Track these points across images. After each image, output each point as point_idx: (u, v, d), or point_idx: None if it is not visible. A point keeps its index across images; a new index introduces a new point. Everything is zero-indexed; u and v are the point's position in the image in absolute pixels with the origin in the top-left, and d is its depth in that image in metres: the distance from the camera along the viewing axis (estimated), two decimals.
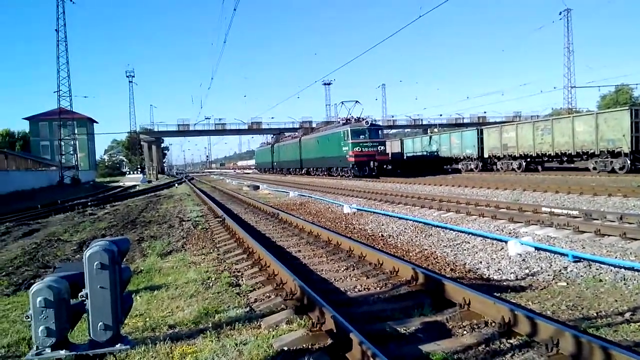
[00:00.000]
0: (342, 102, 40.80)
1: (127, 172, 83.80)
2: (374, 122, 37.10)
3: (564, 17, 71.77)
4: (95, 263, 2.39)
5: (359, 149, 34.27)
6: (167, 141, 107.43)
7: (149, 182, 56.75)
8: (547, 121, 29.54)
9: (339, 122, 39.33)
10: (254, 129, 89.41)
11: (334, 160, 37.81)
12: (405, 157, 44.68)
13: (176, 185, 41.54)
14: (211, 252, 8.74)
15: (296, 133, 56.15)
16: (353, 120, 37.26)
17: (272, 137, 69.68)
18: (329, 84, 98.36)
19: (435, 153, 39.61)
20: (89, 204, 22.54)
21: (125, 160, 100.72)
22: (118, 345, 2.47)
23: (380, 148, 35.16)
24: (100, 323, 2.42)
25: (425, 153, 41.44)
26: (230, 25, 50.86)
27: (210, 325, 4.60)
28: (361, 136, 34.75)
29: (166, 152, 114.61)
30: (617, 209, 11.32)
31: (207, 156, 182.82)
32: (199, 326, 4.63)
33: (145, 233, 11.77)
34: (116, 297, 2.46)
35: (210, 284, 6.31)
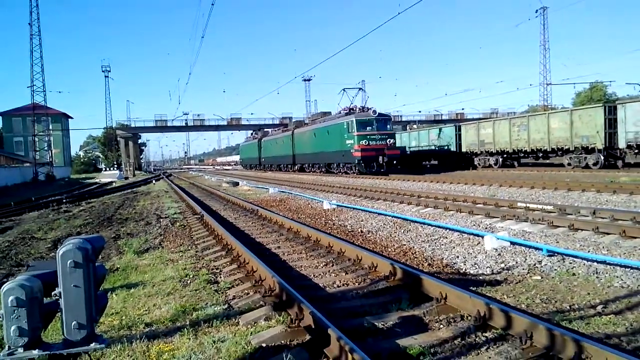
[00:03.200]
0: (343, 89, 35.52)
1: (104, 169, 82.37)
2: (381, 112, 32.17)
3: (540, 15, 72.98)
4: (69, 261, 2.35)
5: (365, 142, 29.91)
6: (144, 137, 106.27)
7: (126, 178, 56.04)
8: (523, 118, 30.03)
9: (340, 112, 34.80)
10: (233, 125, 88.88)
11: (335, 156, 33.49)
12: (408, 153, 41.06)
13: (154, 181, 41.04)
14: (189, 250, 8.67)
15: (289, 126, 52.04)
16: (357, 109, 32.68)
17: (252, 133, 68.41)
18: (308, 80, 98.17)
19: (446, 147, 36.25)
20: (64, 201, 22.10)
21: (101, 156, 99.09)
22: (92, 344, 2.44)
23: (389, 141, 30.79)
24: (74, 322, 2.39)
25: (433, 147, 38.13)
26: (209, 20, 50.01)
27: (187, 322, 4.56)
28: (368, 127, 30.43)
29: (143, 148, 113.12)
30: (591, 204, 11.58)
31: (185, 152, 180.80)
32: (176, 324, 4.59)
33: (122, 230, 11.61)
34: (90, 295, 2.42)
35: (188, 282, 6.26)
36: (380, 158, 29.84)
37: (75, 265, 2.36)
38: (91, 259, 2.43)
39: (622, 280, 5.44)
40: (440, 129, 38.39)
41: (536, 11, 72.96)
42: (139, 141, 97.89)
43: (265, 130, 63.71)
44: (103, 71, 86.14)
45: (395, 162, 31.60)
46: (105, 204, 20.14)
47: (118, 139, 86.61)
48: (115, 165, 77.93)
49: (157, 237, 10.20)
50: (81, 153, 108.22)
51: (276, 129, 60.29)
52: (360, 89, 35.73)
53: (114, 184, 42.41)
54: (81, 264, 2.37)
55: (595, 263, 6.16)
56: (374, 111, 31.29)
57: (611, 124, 23.63)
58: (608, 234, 7.92)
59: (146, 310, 5.13)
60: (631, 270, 5.72)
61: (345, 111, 33.63)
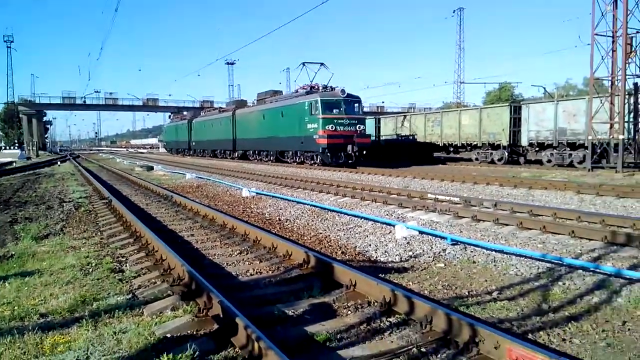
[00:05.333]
0: (303, 64, 29.00)
1: (3, 147, 75.83)
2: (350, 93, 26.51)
3: (457, 15, 76.60)
4: None
5: (332, 127, 24.66)
6: (50, 115, 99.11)
7: (28, 158, 51.95)
8: (437, 113, 31.49)
9: (297, 91, 29.25)
10: (149, 106, 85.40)
11: (292, 142, 28.06)
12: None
13: (59, 163, 38.43)
14: (93, 236, 8.20)
15: (226, 106, 44.23)
16: (321, 88, 26.85)
17: (170, 116, 65.51)
18: (232, 63, 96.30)
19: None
20: None
21: (1, 134, 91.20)
22: None
23: (359, 127, 25.73)
24: None
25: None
26: None
27: (87, 313, 4.30)
28: (335, 110, 25.23)
29: (49, 126, 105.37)
30: (493, 197, 12.37)
31: (96, 133, 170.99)
32: (75, 315, 4.32)
33: (20, 214, 10.75)
34: None
35: (90, 270, 5.91)
36: (349, 147, 24.83)
37: None
38: None
39: (516, 268, 5.86)
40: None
41: (454, 11, 76.55)
42: (44, 119, 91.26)
43: (180, 111, 59.65)
44: (5, 41, 79.39)
45: (365, 152, 26.39)
46: (3, 186, 18.53)
47: (20, 115, 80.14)
48: (17, 144, 71.97)
49: (59, 223, 9.55)
50: None
51: (210, 109, 53.23)
52: (322, 64, 29.05)
53: (14, 164, 39.12)
54: None
55: (493, 252, 6.59)
56: (342, 91, 25.93)
57: (516, 122, 25.39)
58: (507, 225, 8.48)
59: (42, 300, 4.79)
60: (525, 259, 6.18)
61: (305, 89, 27.82)
